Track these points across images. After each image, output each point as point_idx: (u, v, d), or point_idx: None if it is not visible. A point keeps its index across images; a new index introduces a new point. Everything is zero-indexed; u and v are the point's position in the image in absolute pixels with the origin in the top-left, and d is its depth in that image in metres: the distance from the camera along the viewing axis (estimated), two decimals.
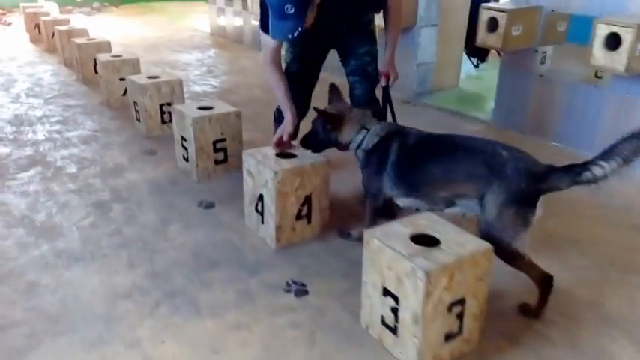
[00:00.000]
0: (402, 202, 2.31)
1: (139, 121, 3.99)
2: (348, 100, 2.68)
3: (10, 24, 8.77)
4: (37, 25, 7.35)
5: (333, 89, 2.52)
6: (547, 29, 3.84)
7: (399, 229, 1.88)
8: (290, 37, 2.21)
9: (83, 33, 6.03)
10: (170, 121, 3.93)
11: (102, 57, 4.65)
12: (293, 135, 2.62)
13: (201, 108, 3.25)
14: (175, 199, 3.00)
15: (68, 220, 2.75)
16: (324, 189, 2.59)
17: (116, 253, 2.47)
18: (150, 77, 3.95)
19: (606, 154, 1.77)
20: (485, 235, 1.91)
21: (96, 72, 5.29)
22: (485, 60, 6.19)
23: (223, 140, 3.24)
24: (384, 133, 2.32)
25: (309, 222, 2.59)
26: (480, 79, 5.82)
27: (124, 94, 4.61)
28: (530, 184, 1.88)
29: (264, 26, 2.38)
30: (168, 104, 3.92)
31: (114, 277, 2.30)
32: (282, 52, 2.69)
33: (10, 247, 2.50)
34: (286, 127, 2.58)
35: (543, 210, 1.94)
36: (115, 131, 4.05)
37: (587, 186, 1.82)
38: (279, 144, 2.58)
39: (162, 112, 3.93)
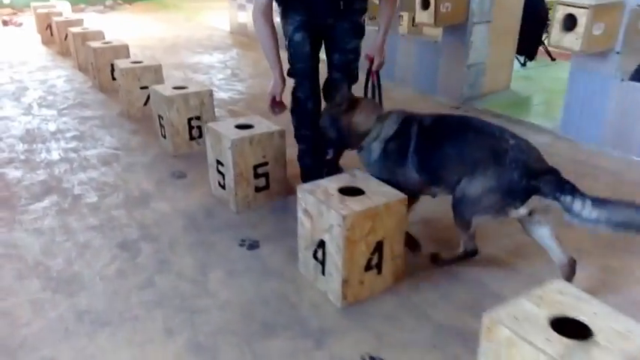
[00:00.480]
0: (424, 190, 2.23)
1: (164, 137, 3.56)
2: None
3: (20, 25, 8.39)
4: (49, 26, 6.95)
5: (338, 87, 2.51)
6: (629, 27, 3.32)
7: (531, 309, 1.41)
8: None
9: (98, 35, 5.61)
10: (199, 136, 3.50)
11: (120, 63, 4.22)
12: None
13: (239, 127, 2.81)
14: (213, 237, 2.56)
15: (90, 268, 2.32)
16: (398, 232, 2.13)
17: (149, 314, 2.03)
18: (176, 88, 3.51)
19: (600, 202, 1.74)
20: (457, 200, 2.04)
21: (113, 78, 4.87)
22: (534, 58, 5.68)
23: (265, 164, 2.80)
24: (400, 120, 2.22)
25: (379, 272, 2.14)
26: (530, 80, 5.30)
27: (145, 103, 4.19)
28: (523, 178, 1.87)
29: None
30: (197, 118, 3.49)
31: (148, 350, 1.86)
32: (282, 25, 2.69)
33: (23, 307, 2.07)
34: (275, 86, 2.64)
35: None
36: (138, 148, 3.62)
37: (561, 210, 1.80)
38: (274, 105, 2.68)
39: (191, 127, 3.49)
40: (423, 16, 4.22)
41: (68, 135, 3.85)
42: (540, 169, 1.89)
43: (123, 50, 4.91)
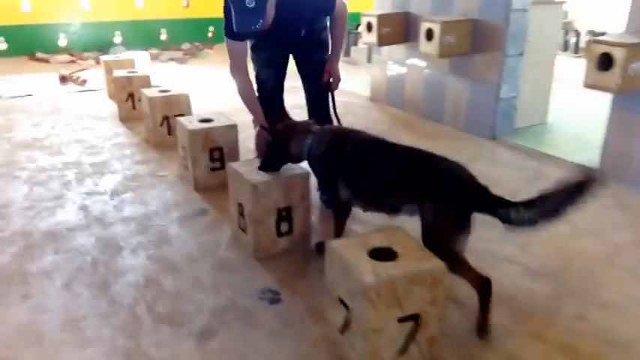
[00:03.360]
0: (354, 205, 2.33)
1: None
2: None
3: (84, 83, 6.24)
4: (131, 96, 4.77)
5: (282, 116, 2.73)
6: None
7: None
8: (253, 28, 2.41)
9: (229, 135, 3.34)
10: None
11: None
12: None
13: None
14: None
15: None
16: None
17: None
18: None
19: (529, 203, 1.83)
20: (426, 239, 1.95)
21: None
22: None
23: None
24: (328, 138, 2.33)
25: None
26: None
27: None
28: (463, 196, 1.95)
29: (229, 32, 2.59)
30: None
31: None
32: (252, 58, 2.93)
33: None
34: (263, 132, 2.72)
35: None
36: None
37: (505, 224, 1.87)
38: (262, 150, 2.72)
39: None
40: None
41: None
42: (475, 187, 1.96)
43: (301, 186, 2.59)
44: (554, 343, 2.03)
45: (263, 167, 2.49)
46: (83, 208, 3.12)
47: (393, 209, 2.15)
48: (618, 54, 2.93)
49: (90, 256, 2.61)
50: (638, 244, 2.76)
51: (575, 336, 2.07)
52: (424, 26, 4.20)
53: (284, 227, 2.59)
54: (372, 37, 4.82)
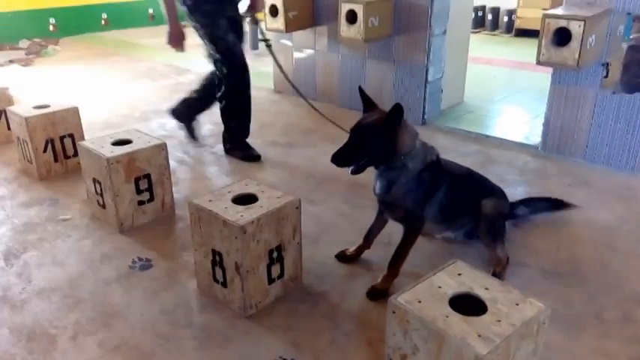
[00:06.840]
0: (430, 228, 2.35)
1: None
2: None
3: None
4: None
5: (366, 96, 2.11)
6: None
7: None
8: None
9: (158, 162, 2.66)
10: None
11: None
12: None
13: None
14: None
15: None
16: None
17: None
18: None
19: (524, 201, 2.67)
20: (490, 231, 2.31)
21: None
22: None
23: None
24: (434, 156, 2.20)
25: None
26: None
27: None
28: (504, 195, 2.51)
29: None
30: None
31: None
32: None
33: None
34: (172, 36, 3.24)
35: None
36: None
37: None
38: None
39: None
40: None
41: None
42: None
43: None
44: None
45: (340, 160, 1.97)
46: None
47: (462, 228, 2.44)
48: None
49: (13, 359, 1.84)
50: (623, 221, 2.72)
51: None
52: (345, 7, 3.80)
53: (275, 271, 2.06)
54: (278, 23, 4.30)
